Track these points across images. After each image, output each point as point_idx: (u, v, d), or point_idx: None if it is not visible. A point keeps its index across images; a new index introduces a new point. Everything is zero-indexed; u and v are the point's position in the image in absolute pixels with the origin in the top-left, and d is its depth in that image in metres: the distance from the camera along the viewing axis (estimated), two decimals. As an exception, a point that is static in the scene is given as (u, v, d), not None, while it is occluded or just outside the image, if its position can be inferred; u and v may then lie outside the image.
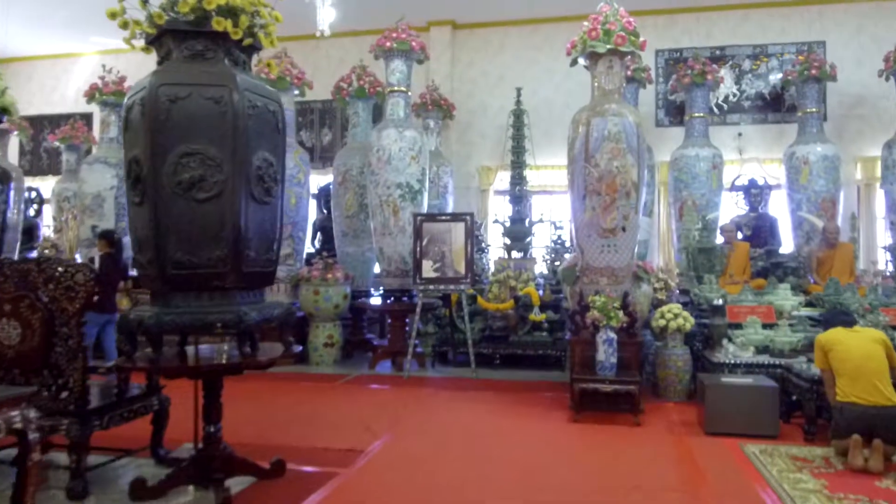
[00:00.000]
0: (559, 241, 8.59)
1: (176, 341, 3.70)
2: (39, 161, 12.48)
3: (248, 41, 3.45)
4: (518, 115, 8.88)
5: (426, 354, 7.69)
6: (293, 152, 7.79)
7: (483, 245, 9.02)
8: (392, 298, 7.56)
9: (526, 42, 10.40)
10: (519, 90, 8.95)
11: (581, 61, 5.91)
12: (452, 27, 10.43)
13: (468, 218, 7.04)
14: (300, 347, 3.88)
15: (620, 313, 5.26)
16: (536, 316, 7.33)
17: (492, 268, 8.55)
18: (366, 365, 7.64)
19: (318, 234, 9.78)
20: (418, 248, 6.99)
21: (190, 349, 3.73)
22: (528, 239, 8.77)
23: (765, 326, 5.95)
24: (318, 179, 10.29)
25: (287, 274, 7.82)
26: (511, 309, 7.64)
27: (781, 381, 5.05)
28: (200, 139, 3.23)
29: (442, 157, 9.65)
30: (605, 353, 5.17)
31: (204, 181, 3.22)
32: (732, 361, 5.52)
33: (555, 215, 9.82)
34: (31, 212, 11.09)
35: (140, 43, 3.57)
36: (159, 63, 3.54)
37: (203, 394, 3.61)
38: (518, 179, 8.75)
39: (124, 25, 3.53)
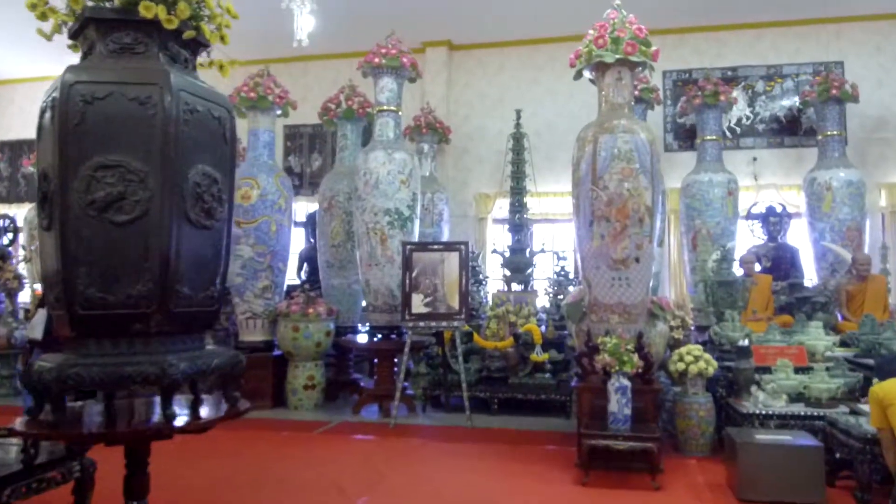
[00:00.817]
0: (563, 273, 7.94)
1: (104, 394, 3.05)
2: (17, 187, 11.90)
3: (189, 33, 2.85)
4: (518, 138, 8.32)
5: (417, 398, 6.99)
6: (274, 175, 7.20)
7: (481, 277, 8.37)
8: (379, 336, 6.88)
9: (526, 62, 9.89)
10: (518, 112, 8.39)
11: (586, 74, 5.34)
12: (448, 48, 9.94)
13: (463, 247, 6.41)
14: (247, 405, 3.17)
15: (635, 357, 4.59)
16: (538, 356, 6.64)
17: (490, 302, 7.90)
18: (351, 409, 6.93)
19: (305, 264, 9.16)
20: (407, 281, 6.35)
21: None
22: (530, 270, 8.13)
23: (797, 370, 5.27)
24: (308, 207, 9.71)
25: (265, 308, 7.16)
26: (510, 348, 6.96)
27: (824, 437, 4.35)
28: (121, 148, 2.61)
29: (437, 183, 9.06)
30: (618, 404, 4.48)
31: (124, 200, 2.58)
32: (763, 412, 4.83)
33: (558, 245, 9.21)
34: (5, 240, 10.50)
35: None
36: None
37: (125, 462, 2.93)
38: (518, 207, 8.14)
39: (42, 16, 2.96)
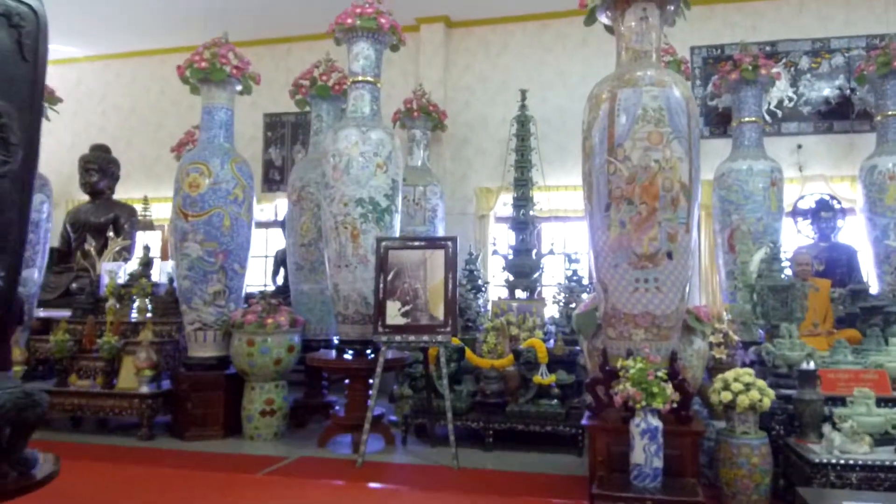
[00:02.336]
0: (575, 278, 6.70)
1: None
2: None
3: None
4: (523, 122, 7.11)
5: (399, 426, 5.76)
6: (229, 161, 6.04)
7: (480, 283, 7.14)
8: (350, 352, 5.66)
9: (533, 41, 8.68)
10: (524, 92, 7.18)
11: (602, 19, 4.13)
12: (446, 25, 8.76)
13: (449, 244, 5.19)
14: (51, 468, 1.98)
15: (668, 388, 3.34)
16: (543, 378, 5.39)
17: (490, 311, 6.67)
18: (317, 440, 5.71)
19: (282, 268, 8.01)
20: (381, 285, 5.14)
21: None
22: (536, 275, 6.89)
23: (878, 402, 3.99)
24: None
25: (217, 318, 5.98)
26: (510, 367, 5.73)
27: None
28: None
29: (431, 175, 7.86)
30: (646, 453, 3.23)
31: None
32: (842, 461, 3.55)
33: (569, 246, 7.97)
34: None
35: None
36: None
37: None
38: (522, 201, 6.92)
39: None
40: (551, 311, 6.69)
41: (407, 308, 5.10)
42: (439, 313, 5.07)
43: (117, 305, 6.76)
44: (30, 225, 7.04)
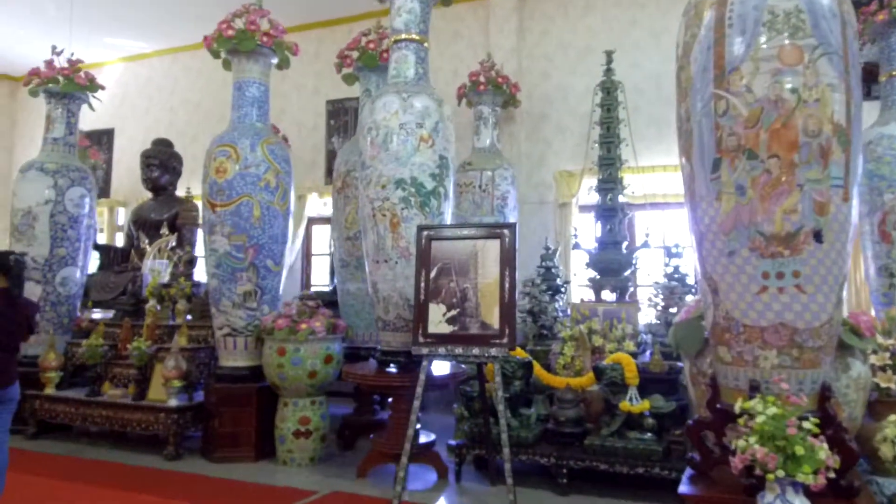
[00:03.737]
0: (676, 276, 5.38)
1: None
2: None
3: None
4: (609, 88, 5.85)
5: (456, 454, 4.68)
6: (260, 142, 5.19)
7: (558, 283, 5.93)
8: (393, 366, 4.64)
9: (623, -2, 7.34)
10: (609, 54, 5.93)
11: None
12: (520, -12, 7.59)
13: (506, 232, 4.04)
14: None
15: (820, 448, 2.06)
16: (633, 404, 4.14)
17: (570, 317, 5.48)
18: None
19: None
20: (423, 284, 4.08)
21: None
22: (627, 272, 5.63)
23: None
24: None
25: (248, 322, 5.15)
26: (592, 387, 4.52)
27: None
28: None
29: (501, 157, 6.72)
30: (786, 554, 1.97)
31: None
32: None
33: (669, 237, 6.59)
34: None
35: None
36: None
37: None
38: (609, 184, 5.67)
39: None
40: (647, 316, 5.41)
41: (453, 313, 4.01)
42: (493, 320, 3.94)
43: (158, 307, 6.11)
44: (68, 220, 6.60)
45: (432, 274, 4.09)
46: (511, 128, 7.31)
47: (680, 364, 4.51)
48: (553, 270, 5.95)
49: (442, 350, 3.96)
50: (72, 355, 6.10)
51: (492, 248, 4.04)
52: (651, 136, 6.79)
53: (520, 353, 4.65)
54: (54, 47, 6.36)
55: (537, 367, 4.71)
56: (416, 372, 4.35)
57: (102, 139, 10.50)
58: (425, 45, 4.80)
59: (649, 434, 4.14)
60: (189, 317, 6.01)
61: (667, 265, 5.51)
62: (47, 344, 5.96)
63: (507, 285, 3.96)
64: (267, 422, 5.11)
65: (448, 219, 4.66)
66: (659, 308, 5.36)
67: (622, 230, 5.74)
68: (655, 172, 6.70)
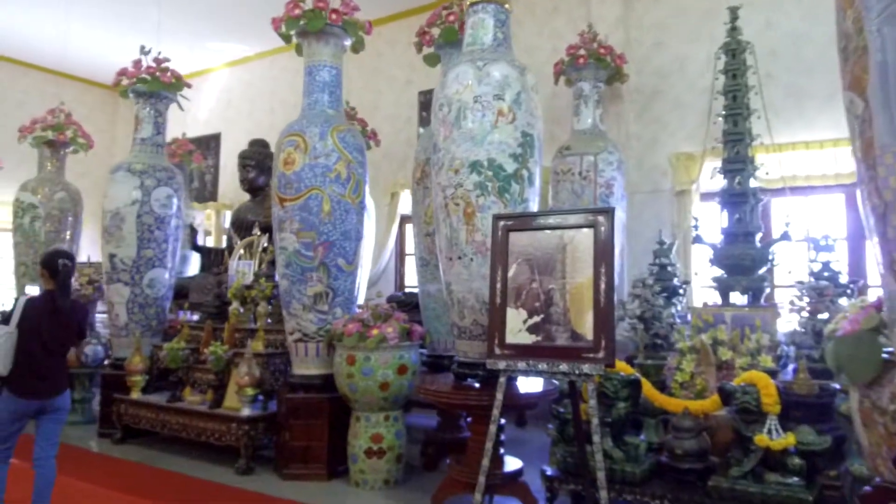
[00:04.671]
0: (826, 274, 4.30)
1: None
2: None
3: None
4: (734, 51, 4.84)
5: (548, 488, 3.90)
6: (330, 130, 4.68)
7: (675, 283, 4.98)
8: (471, 379, 3.93)
9: (752, -51, 6.19)
10: (734, 10, 4.91)
11: None
12: (627, -51, 6.64)
13: (601, 219, 3.21)
14: None
15: None
16: (773, 438, 3.18)
17: (690, 323, 4.54)
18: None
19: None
20: (499, 285, 3.35)
21: None
22: (762, 270, 4.61)
23: None
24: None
25: (319, 327, 4.65)
26: (718, 412, 3.60)
27: None
28: None
29: (605, 140, 5.83)
30: None
31: None
32: None
33: (815, 227, 5.42)
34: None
35: None
36: None
37: None
38: (738, 164, 4.69)
39: None
40: (787, 323, 4.36)
41: (535, 320, 3.25)
42: (586, 329, 3.13)
43: (241, 309, 5.80)
44: (155, 221, 6.47)
45: (510, 272, 3.35)
46: (617, 107, 6.39)
47: (835, 385, 3.49)
48: (669, 269, 5.00)
49: (522, 365, 3.21)
50: (157, 359, 5.92)
51: (584, 241, 3.24)
52: (789, 108, 5.66)
53: (624, 369, 3.79)
54: (143, 47, 6.24)
55: (647, 386, 3.83)
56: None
57: (210, 144, 10.63)
58: (506, 6, 4.07)
59: (795, 478, 3.16)
60: (270, 320, 5.65)
61: (813, 261, 4.44)
62: (133, 347, 5.82)
63: (603, 286, 3.14)
64: (340, 436, 4.59)
65: (534, 207, 3.90)
66: (804, 313, 4.30)
67: (754, 219, 4.71)
68: (796, 150, 5.56)
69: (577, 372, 3.09)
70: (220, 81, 10.54)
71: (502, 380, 3.28)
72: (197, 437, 5.08)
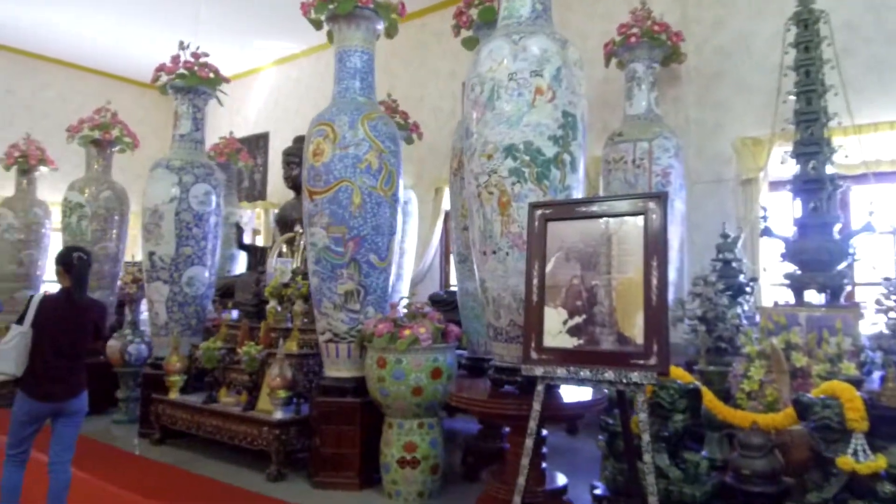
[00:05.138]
0: (918, 269, 3.73)
1: None
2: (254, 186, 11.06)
3: None
4: (806, 21, 4.30)
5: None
6: (360, 118, 4.39)
7: (742, 280, 4.46)
8: (508, 385, 3.55)
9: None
10: (807, -25, 4.36)
11: None
12: (686, -81, 6.10)
13: (653, 206, 2.79)
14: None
15: None
16: (859, 460, 2.69)
17: (758, 324, 4.04)
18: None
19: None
20: (535, 280, 2.97)
21: None
22: (842, 265, 4.06)
23: None
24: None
25: (350, 326, 4.37)
26: (793, 426, 3.11)
27: None
28: None
29: (661, 125, 5.35)
30: None
31: None
32: None
33: (902, 216, 4.80)
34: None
35: None
36: None
37: None
38: (812, 146, 4.15)
39: None
40: (872, 325, 3.79)
41: (577, 320, 2.85)
42: (635, 331, 2.72)
43: (278, 308, 5.60)
44: (193, 218, 6.34)
45: (549, 267, 2.96)
46: (674, 90, 5.88)
47: (935, 399, 2.95)
48: (734, 264, 4.48)
49: (561, 371, 2.82)
50: (195, 358, 5.79)
51: (633, 231, 2.82)
52: (871, 84, 5.05)
53: (682, 376, 3.35)
54: (181, 42, 6.13)
55: (710, 396, 3.37)
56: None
57: (259, 143, 10.59)
58: (546, -25, 3.67)
59: (889, 509, 2.66)
60: (306, 319, 5.42)
61: (903, 254, 3.87)
62: (171, 346, 5.70)
63: (654, 282, 2.72)
64: (374, 443, 4.29)
65: (577, 196, 3.49)
66: (892, 314, 3.73)
67: (832, 208, 4.16)
68: (880, 131, 4.93)
69: (624, 381, 2.68)
70: (269, 80, 10.49)
71: (540, 388, 2.90)
72: (230, 440, 4.89)
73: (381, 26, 4.69)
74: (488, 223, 3.42)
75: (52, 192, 8.56)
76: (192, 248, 5.94)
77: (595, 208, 2.94)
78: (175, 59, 6.03)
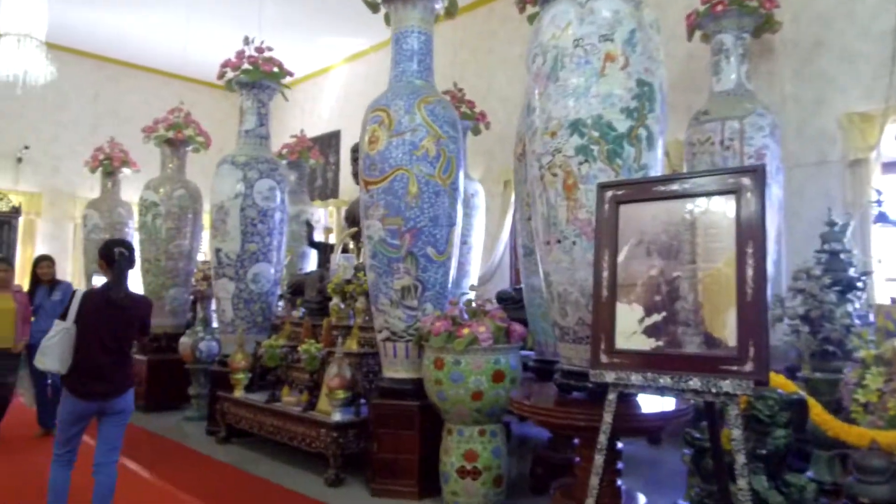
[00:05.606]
0: None
1: None
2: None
3: None
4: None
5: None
6: (417, 101, 4.08)
7: (851, 275, 3.84)
8: (577, 392, 3.14)
9: None
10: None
11: None
12: None
13: (747, 182, 2.31)
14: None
15: None
16: None
17: (874, 325, 3.44)
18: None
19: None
20: (605, 272, 2.55)
21: None
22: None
23: None
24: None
25: (408, 324, 4.07)
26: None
27: None
28: None
29: (753, 101, 4.75)
30: None
31: None
32: None
33: None
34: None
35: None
36: None
37: None
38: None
39: None
40: None
41: (656, 318, 2.41)
42: (726, 331, 2.26)
43: (341, 305, 5.40)
44: (258, 214, 6.24)
45: (621, 256, 2.54)
46: (768, 64, 5.25)
47: None
48: (842, 256, 3.88)
49: (637, 378, 2.40)
50: (260, 356, 5.67)
51: (723, 212, 2.36)
52: None
53: (783, 385, 2.84)
54: (246, 38, 6.05)
55: (817, 409, 2.85)
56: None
57: (331, 142, 10.54)
58: (618, -71, 3.22)
59: None
60: (368, 317, 5.18)
61: None
62: (236, 343, 5.61)
63: (750, 273, 2.25)
64: (434, 449, 3.97)
65: (660, 169, 3.04)
66: None
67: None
68: None
69: (713, 390, 2.23)
70: (340, 78, 10.42)
71: (611, 396, 2.49)
72: (289, 440, 4.71)
73: (439, 5, 4.38)
74: (552, 209, 3.03)
75: (135, 193, 8.79)
76: (258, 245, 5.84)
77: (676, 187, 2.49)
78: (239, 54, 5.95)
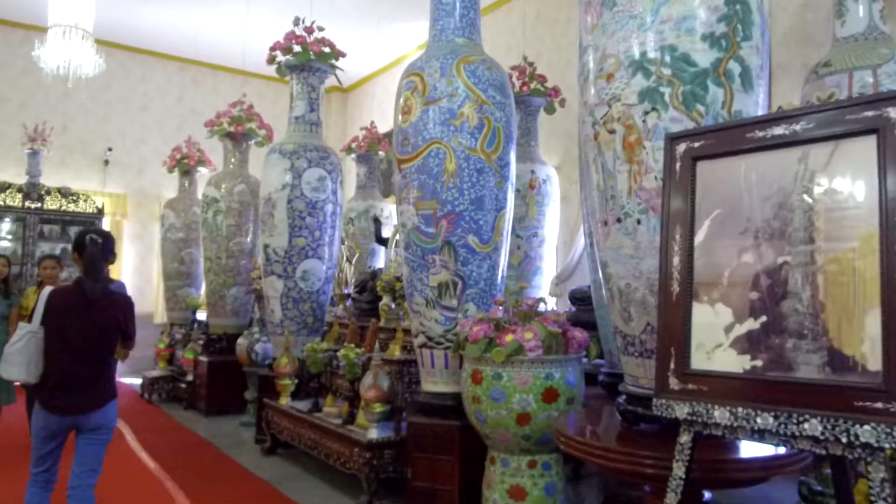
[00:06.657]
0: None
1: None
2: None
3: None
4: None
5: None
6: (454, 62, 3.40)
7: None
8: (646, 423, 2.34)
9: None
10: None
11: None
12: None
13: (893, 114, 1.49)
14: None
15: None
16: None
17: None
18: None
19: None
20: (676, 258, 1.77)
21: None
22: None
23: None
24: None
25: (446, 328, 3.41)
26: None
27: None
28: None
29: (889, 46, 3.69)
30: None
31: None
32: None
33: None
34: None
35: None
36: None
37: None
38: None
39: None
40: None
41: (753, 325, 1.61)
42: (864, 348, 1.43)
43: (391, 305, 4.83)
44: (306, 206, 5.77)
45: (699, 236, 1.75)
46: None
47: None
48: None
49: (722, 414, 1.60)
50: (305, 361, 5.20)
51: (857, 165, 1.53)
52: None
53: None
54: (297, 18, 5.62)
55: None
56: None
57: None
58: None
59: None
60: (418, 319, 4.56)
61: None
62: (282, 346, 5.16)
63: (906, 256, 1.41)
64: (477, 477, 3.28)
65: (758, 109, 2.19)
66: None
67: None
68: None
69: (844, 439, 1.41)
70: (413, 68, 9.93)
71: (684, 440, 1.71)
72: (325, 457, 4.17)
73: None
74: (609, 177, 2.26)
75: (210, 192, 8.70)
76: (307, 240, 5.38)
77: (783, 130, 1.67)
78: (288, 35, 5.52)
